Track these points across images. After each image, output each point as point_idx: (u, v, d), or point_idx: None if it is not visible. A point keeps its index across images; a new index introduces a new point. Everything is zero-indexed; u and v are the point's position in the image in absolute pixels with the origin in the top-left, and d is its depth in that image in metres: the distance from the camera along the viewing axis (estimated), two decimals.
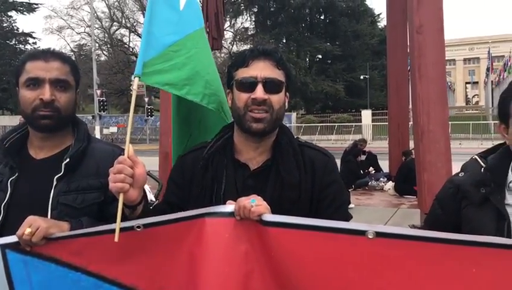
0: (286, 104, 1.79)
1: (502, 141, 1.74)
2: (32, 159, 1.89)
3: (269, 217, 1.47)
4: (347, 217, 1.75)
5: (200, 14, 2.24)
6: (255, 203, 1.46)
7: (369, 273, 1.40)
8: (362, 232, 1.39)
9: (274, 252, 1.47)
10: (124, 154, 1.59)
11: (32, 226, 1.58)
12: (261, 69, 1.69)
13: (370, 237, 1.38)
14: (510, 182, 1.62)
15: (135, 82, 1.75)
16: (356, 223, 1.44)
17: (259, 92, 1.67)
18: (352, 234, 1.41)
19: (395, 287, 1.39)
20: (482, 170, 1.66)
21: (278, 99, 1.71)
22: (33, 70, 1.81)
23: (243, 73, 1.72)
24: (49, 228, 1.61)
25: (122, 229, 1.52)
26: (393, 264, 1.39)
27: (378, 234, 1.38)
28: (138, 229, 1.55)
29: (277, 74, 1.72)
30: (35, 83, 1.80)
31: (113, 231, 1.52)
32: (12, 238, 1.62)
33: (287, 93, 1.79)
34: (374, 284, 1.40)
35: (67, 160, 1.83)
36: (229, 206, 1.52)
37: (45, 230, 1.59)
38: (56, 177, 1.82)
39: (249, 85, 1.69)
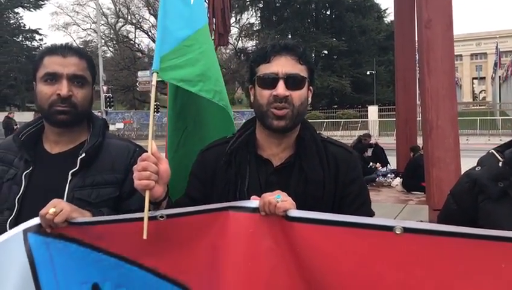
0: (310, 98, 1.77)
1: (511, 137, 1.70)
2: (48, 153, 1.90)
3: (295, 212, 1.46)
4: (370, 214, 1.74)
5: (205, 10, 2.23)
6: (281, 199, 1.45)
7: (396, 269, 1.38)
8: (390, 228, 1.37)
9: (299, 248, 1.46)
10: (144, 151, 1.61)
11: (57, 207, 1.60)
12: (282, 65, 1.67)
13: (398, 232, 1.36)
14: None
15: (154, 77, 1.74)
16: (383, 219, 1.41)
17: (281, 89, 1.65)
18: (379, 229, 1.39)
19: (424, 283, 1.37)
20: (500, 164, 1.63)
21: (299, 95, 1.69)
22: (51, 65, 1.81)
23: (264, 69, 1.70)
24: (72, 212, 1.62)
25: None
26: (421, 260, 1.37)
27: (406, 230, 1.36)
28: (161, 219, 1.55)
29: (299, 70, 1.70)
30: (52, 78, 1.81)
31: (136, 219, 1.54)
32: (33, 221, 1.64)
33: (311, 87, 1.78)
34: (402, 280, 1.38)
35: (83, 155, 1.83)
36: (254, 202, 1.51)
37: (68, 213, 1.60)
38: (71, 172, 1.82)
39: (270, 81, 1.68)
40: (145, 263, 1.63)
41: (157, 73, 1.75)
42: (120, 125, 39.01)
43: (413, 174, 10.25)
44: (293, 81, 1.67)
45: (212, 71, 2.06)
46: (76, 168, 1.82)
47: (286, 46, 1.71)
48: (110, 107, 28.13)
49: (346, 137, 32.62)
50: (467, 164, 1.80)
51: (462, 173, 1.79)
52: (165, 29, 1.83)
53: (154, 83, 1.74)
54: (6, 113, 25.41)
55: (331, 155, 1.75)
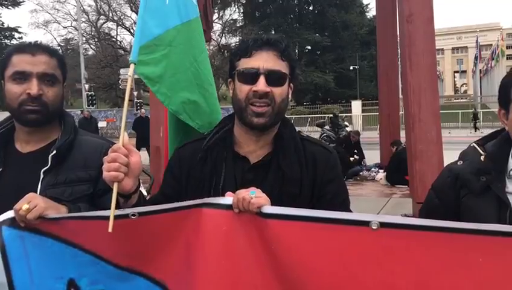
0: (290, 95, 1.73)
1: (491, 129, 1.71)
2: (19, 153, 1.86)
3: (269, 209, 1.43)
4: None
5: (187, 8, 2.19)
6: (255, 195, 1.42)
7: (373, 264, 1.37)
8: (366, 223, 1.35)
9: (274, 245, 1.43)
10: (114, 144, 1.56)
11: (31, 203, 1.55)
12: (264, 60, 1.63)
13: (374, 227, 1.34)
14: (511, 170, 1.58)
15: (131, 68, 1.72)
16: (359, 214, 1.39)
17: (261, 85, 1.61)
18: (355, 225, 1.37)
19: (400, 278, 1.36)
20: (482, 158, 1.62)
21: (280, 92, 1.65)
22: (20, 64, 1.77)
23: (245, 63, 1.66)
24: (47, 209, 1.58)
25: (117, 217, 1.49)
26: (397, 255, 1.36)
27: (383, 225, 1.34)
28: (133, 217, 1.51)
29: (280, 66, 1.66)
30: (22, 76, 1.76)
31: (106, 217, 1.48)
32: (8, 214, 1.60)
33: (291, 85, 1.74)
34: (378, 275, 1.37)
35: (54, 152, 1.80)
36: (228, 199, 1.48)
37: (42, 210, 1.56)
38: (43, 170, 1.79)
39: (250, 77, 1.63)
40: (120, 262, 1.60)
41: (135, 64, 1.73)
42: (103, 123, 38.50)
43: (397, 168, 10.33)
44: (274, 77, 1.63)
45: (169, 75, 2.05)
46: (48, 166, 1.79)
47: (268, 40, 1.66)
48: (92, 106, 27.79)
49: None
50: (450, 156, 1.80)
51: (445, 166, 1.79)
52: (143, 21, 1.83)
53: (130, 74, 1.71)
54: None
55: (310, 154, 1.72)
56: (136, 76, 1.86)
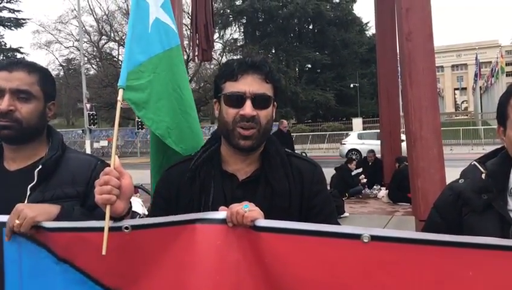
0: (274, 114, 1.77)
1: (493, 146, 1.71)
2: (6, 171, 1.87)
3: (262, 222, 1.45)
4: None
5: (168, 36, 2.26)
6: (248, 209, 1.44)
7: (364, 277, 1.38)
8: (357, 236, 1.37)
9: (267, 258, 1.44)
10: (107, 165, 1.58)
11: (20, 217, 1.57)
12: (249, 84, 1.67)
13: (365, 240, 1.36)
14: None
15: (120, 93, 1.76)
16: (351, 227, 1.41)
17: (248, 109, 1.65)
18: (347, 238, 1.39)
19: None
20: (483, 176, 1.63)
21: (266, 114, 1.70)
22: None
23: (231, 87, 1.69)
24: (35, 217, 1.59)
25: (110, 230, 1.49)
26: (389, 268, 1.37)
27: (374, 238, 1.37)
28: (126, 231, 1.51)
29: (265, 89, 1.69)
30: None
31: (101, 229, 1.49)
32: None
33: (275, 103, 1.78)
34: (369, 288, 1.38)
35: (40, 167, 1.80)
36: (221, 213, 1.49)
37: (31, 220, 1.57)
38: (30, 186, 1.79)
39: (237, 100, 1.67)
40: (108, 283, 1.59)
41: (123, 89, 1.78)
42: (104, 143, 38.62)
43: (399, 186, 10.31)
44: (259, 101, 1.67)
45: (154, 100, 2.12)
46: (35, 182, 1.79)
47: (253, 64, 1.69)
48: (93, 125, 27.82)
49: (332, 149, 32.76)
50: (452, 173, 1.80)
51: (447, 183, 1.79)
52: (131, 48, 1.91)
53: (119, 98, 1.75)
54: None
55: (296, 168, 1.76)
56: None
